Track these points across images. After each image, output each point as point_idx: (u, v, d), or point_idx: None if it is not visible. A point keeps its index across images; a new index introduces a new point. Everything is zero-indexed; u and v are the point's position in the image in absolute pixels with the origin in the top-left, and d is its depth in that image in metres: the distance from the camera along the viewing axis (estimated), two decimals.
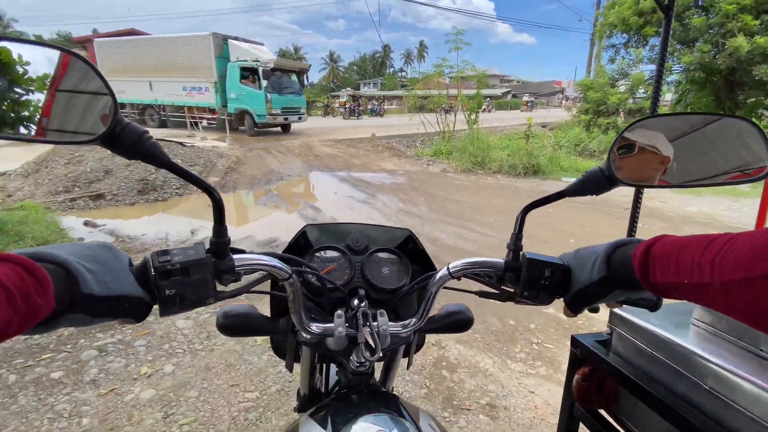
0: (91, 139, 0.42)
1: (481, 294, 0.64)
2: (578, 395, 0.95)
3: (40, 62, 0.45)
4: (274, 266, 0.54)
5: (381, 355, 0.58)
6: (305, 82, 15.72)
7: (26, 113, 0.45)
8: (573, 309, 0.55)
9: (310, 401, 0.86)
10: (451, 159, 9.96)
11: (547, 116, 17.71)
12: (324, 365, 0.88)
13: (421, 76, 13.43)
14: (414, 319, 0.64)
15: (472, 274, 0.62)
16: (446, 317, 0.73)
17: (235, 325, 0.65)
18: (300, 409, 0.88)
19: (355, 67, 79.96)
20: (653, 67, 12.68)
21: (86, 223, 4.90)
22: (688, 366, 0.75)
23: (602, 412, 0.94)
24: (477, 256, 0.63)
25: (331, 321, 0.60)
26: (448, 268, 0.62)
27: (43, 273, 0.33)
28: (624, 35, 12.66)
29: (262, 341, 2.40)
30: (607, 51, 15.23)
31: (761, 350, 0.70)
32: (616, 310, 0.91)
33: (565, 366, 2.30)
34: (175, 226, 5.01)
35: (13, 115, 0.45)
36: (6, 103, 0.45)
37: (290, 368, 0.78)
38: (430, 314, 0.66)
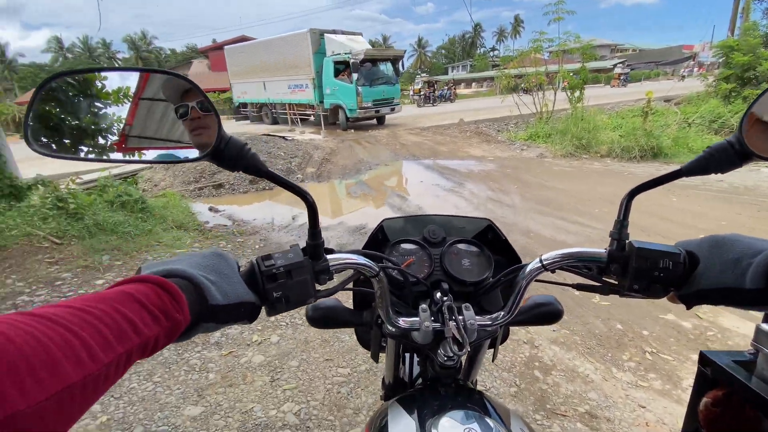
0: (200, 156, 0.46)
1: (580, 287, 0.58)
2: (706, 421, 0.80)
3: (152, 86, 0.47)
4: (363, 264, 0.56)
5: (468, 349, 0.57)
6: (401, 70, 15.37)
7: (150, 133, 0.48)
8: (690, 304, 0.49)
9: (394, 390, 0.88)
10: (549, 142, 9.13)
11: (673, 88, 14.99)
12: (408, 355, 0.89)
13: (516, 53, 12.44)
14: (502, 313, 0.62)
15: (569, 266, 0.57)
16: (534, 309, 0.68)
17: (323, 318, 0.69)
18: (386, 397, 0.91)
19: (443, 51, 78.03)
20: None
21: (210, 209, 5.74)
22: None
23: None
24: (573, 247, 0.58)
25: (416, 314, 0.61)
26: (540, 260, 0.57)
27: (177, 290, 0.36)
28: None
29: None
30: (760, 2, 12.20)
31: None
32: (765, 326, 0.75)
33: (686, 383, 1.99)
34: (279, 212, 5.56)
35: (122, 138, 0.47)
36: (115, 128, 0.47)
37: (375, 358, 0.81)
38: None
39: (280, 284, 0.48)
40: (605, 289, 0.56)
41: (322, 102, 14.30)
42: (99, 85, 0.46)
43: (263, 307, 0.49)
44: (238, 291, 0.44)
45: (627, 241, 0.53)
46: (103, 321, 0.29)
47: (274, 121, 16.97)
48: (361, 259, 0.56)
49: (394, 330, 0.62)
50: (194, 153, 0.46)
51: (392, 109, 14.42)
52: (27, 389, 0.23)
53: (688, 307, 0.50)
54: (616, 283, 0.55)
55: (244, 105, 18.38)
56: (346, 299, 0.67)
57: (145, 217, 4.40)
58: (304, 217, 5.16)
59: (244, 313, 0.45)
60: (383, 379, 0.90)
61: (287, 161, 8.45)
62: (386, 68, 14.17)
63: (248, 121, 18.87)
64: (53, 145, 0.45)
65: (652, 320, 2.53)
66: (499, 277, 0.65)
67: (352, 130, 13.29)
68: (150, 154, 0.48)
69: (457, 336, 0.55)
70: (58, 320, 0.27)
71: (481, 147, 9.76)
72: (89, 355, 0.27)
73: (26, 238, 3.78)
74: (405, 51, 15.46)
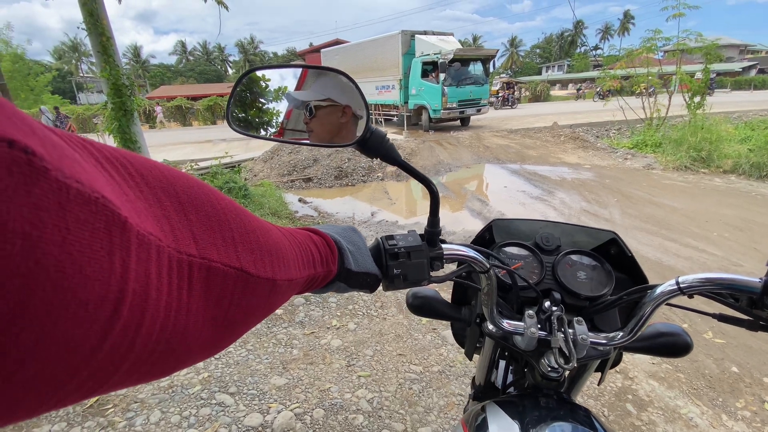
0: (350, 143, 0.53)
1: (724, 318, 0.52)
2: None
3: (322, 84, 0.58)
4: (475, 258, 0.57)
5: (575, 364, 0.55)
6: (491, 70, 14.74)
7: (302, 127, 0.59)
8: None
9: (485, 393, 0.88)
10: (659, 152, 8.05)
11: None
12: (502, 361, 0.88)
13: (624, 52, 11.18)
14: (621, 333, 0.58)
15: (711, 292, 0.51)
16: (656, 337, 0.63)
17: (423, 306, 0.71)
18: (475, 398, 0.91)
19: (537, 50, 73.45)
20: None
21: (300, 200, 6.22)
22: None
23: None
24: (713, 271, 0.52)
25: (519, 319, 0.60)
26: (677, 282, 0.52)
27: (335, 247, 0.44)
28: None
29: (427, 322, 2.57)
30: None
31: None
32: None
33: None
34: (359, 208, 5.81)
35: (303, 129, 0.59)
36: (301, 122, 0.59)
37: (470, 357, 0.81)
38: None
39: (401, 263, 0.52)
40: (755, 325, 0.49)
41: (406, 103, 14.31)
42: (263, 85, 0.57)
43: (382, 282, 0.53)
44: (367, 262, 0.50)
45: None
46: (302, 248, 0.38)
47: None
48: (473, 253, 0.57)
49: (495, 330, 0.63)
50: (346, 141, 0.54)
51: (478, 111, 13.83)
52: (281, 268, 0.32)
53: None
54: None
55: None
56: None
57: (246, 203, 4.93)
58: (381, 215, 5.31)
59: (369, 283, 0.50)
60: (473, 379, 0.90)
61: (369, 159, 8.75)
62: (475, 68, 13.62)
63: None
64: (245, 128, 0.57)
65: None
66: (621, 295, 0.61)
67: (433, 132, 13.21)
68: (311, 139, 0.58)
69: (564, 349, 0.54)
70: (287, 235, 0.36)
71: (577, 153, 9.01)
72: (298, 265, 0.36)
73: None
74: (497, 50, 14.69)
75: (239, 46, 67.84)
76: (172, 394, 1.98)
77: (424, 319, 2.60)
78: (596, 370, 0.72)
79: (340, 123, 0.56)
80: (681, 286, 0.52)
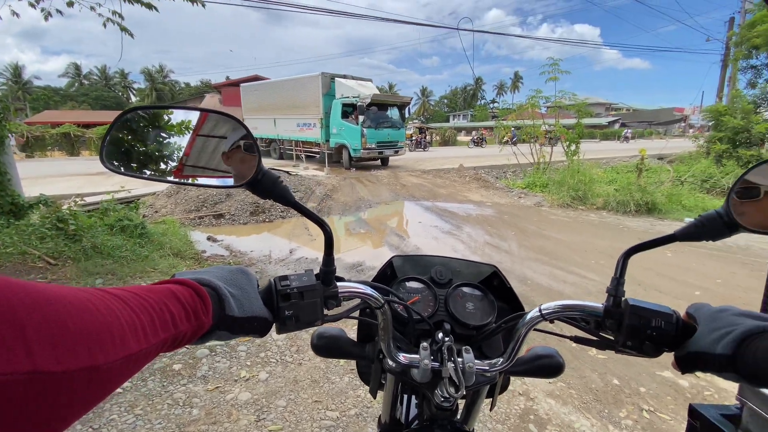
0: (241, 184, 0.52)
1: (577, 340, 0.60)
2: None
3: (208, 124, 0.56)
4: (370, 295, 0.58)
5: (464, 392, 0.57)
6: (406, 116, 15.93)
7: (204, 163, 0.56)
8: (683, 369, 0.49)
9: (390, 430, 0.87)
10: (546, 192, 9.34)
11: (665, 147, 15.65)
12: (406, 396, 0.89)
13: (515, 106, 13.09)
14: (501, 360, 0.63)
15: (567, 317, 0.59)
16: (535, 360, 0.69)
17: (327, 347, 0.70)
18: None
19: (445, 101, 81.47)
20: None
21: (209, 238, 5.74)
22: None
23: None
24: (571, 299, 0.60)
25: (416, 352, 0.62)
26: (539, 310, 0.59)
27: (206, 296, 0.41)
28: None
29: (345, 363, 2.49)
30: (744, 73, 13.22)
31: None
32: None
33: None
34: (277, 244, 5.57)
35: (180, 165, 0.56)
36: (175, 155, 0.56)
37: (374, 394, 0.81)
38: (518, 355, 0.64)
39: (293, 304, 0.51)
40: (601, 344, 0.57)
41: (328, 141, 14.61)
42: (166, 118, 0.54)
43: (275, 324, 0.51)
44: (254, 306, 0.47)
45: (623, 299, 0.55)
46: (155, 309, 0.34)
47: (281, 156, 17.43)
48: (368, 290, 0.58)
49: (394, 365, 0.63)
50: (236, 181, 0.53)
51: (396, 152, 14.77)
52: (106, 350, 0.27)
53: (682, 372, 0.50)
54: (612, 338, 0.56)
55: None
56: (348, 333, 0.69)
57: (143, 243, 4.39)
58: (300, 252, 5.16)
59: (257, 327, 0.47)
60: (379, 417, 0.89)
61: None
62: (393, 113, 14.59)
63: None
64: (122, 166, 0.53)
65: (648, 377, 2.48)
66: (500, 323, 0.66)
67: (354, 170, 13.56)
68: (200, 179, 0.56)
69: (454, 378, 0.56)
70: (127, 300, 0.32)
71: (480, 192, 9.95)
72: (143, 334, 0.32)
73: (21, 256, 3.75)
74: (412, 98, 15.96)
75: (146, 73, 62.94)
76: None
77: (342, 361, 2.51)
78: (487, 396, 0.76)
79: (235, 163, 0.55)
80: (543, 313, 0.59)
